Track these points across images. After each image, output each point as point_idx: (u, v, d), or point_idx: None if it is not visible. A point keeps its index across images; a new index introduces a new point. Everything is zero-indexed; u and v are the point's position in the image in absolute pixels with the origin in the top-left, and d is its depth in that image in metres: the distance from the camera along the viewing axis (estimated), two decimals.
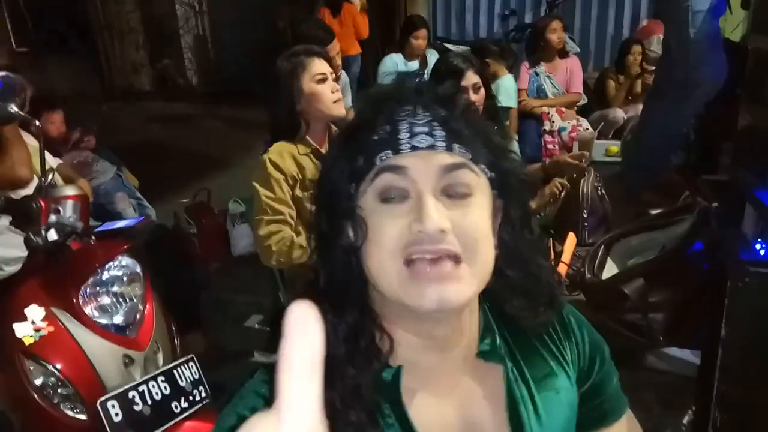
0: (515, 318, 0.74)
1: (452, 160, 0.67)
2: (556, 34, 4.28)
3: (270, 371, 0.71)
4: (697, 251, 1.76)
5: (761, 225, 1.65)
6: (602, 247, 1.89)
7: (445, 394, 0.71)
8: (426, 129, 0.67)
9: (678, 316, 1.70)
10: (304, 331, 0.40)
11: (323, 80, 1.86)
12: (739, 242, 1.66)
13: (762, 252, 1.57)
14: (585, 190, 2.56)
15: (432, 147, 0.67)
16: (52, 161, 2.43)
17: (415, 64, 4.20)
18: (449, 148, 0.67)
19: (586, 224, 2.54)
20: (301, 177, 1.85)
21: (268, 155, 1.89)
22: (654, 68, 4.04)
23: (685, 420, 1.97)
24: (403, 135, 0.67)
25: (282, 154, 1.88)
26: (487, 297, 0.74)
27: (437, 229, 0.63)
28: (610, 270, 1.82)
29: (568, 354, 0.77)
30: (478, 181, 0.68)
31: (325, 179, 0.70)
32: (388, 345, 0.69)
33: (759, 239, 1.60)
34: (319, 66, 1.87)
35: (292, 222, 1.84)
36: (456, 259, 0.64)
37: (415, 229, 0.63)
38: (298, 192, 1.86)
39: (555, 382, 0.75)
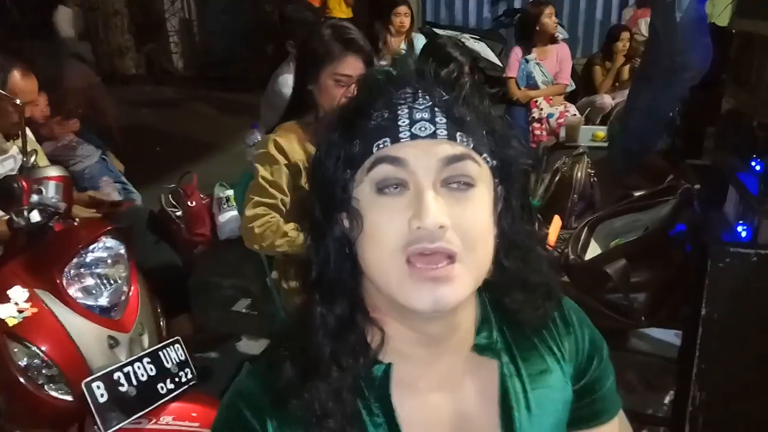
0: (514, 311, 0.73)
1: (454, 151, 0.63)
2: (549, 20, 4.27)
3: (258, 366, 0.71)
4: (680, 232, 1.78)
5: (743, 207, 1.67)
6: (585, 228, 1.91)
7: (437, 388, 0.71)
8: (427, 115, 0.64)
9: (660, 296, 1.72)
10: None
11: (343, 83, 1.72)
12: (721, 224, 1.69)
13: (743, 234, 1.60)
14: (578, 176, 2.59)
15: (433, 135, 0.63)
16: (34, 143, 2.40)
17: (401, 44, 4.15)
18: (451, 137, 0.63)
19: (575, 209, 2.57)
20: (307, 165, 1.77)
21: (274, 135, 1.80)
22: (641, 52, 4.05)
23: (667, 400, 2.01)
24: (403, 121, 0.63)
25: (290, 139, 1.80)
26: (487, 289, 0.72)
27: (436, 224, 0.60)
28: (593, 251, 1.84)
29: (567, 350, 0.76)
30: (480, 171, 0.65)
31: (319, 165, 0.67)
32: (379, 338, 0.68)
33: (740, 221, 1.62)
34: (347, 66, 1.72)
35: (283, 209, 1.77)
36: (451, 258, 0.62)
37: (413, 225, 0.61)
38: (303, 182, 1.77)
39: (549, 379, 0.74)
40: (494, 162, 0.67)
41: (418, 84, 0.65)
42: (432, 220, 0.60)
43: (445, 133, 0.63)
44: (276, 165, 1.76)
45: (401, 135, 0.63)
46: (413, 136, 0.63)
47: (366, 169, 0.64)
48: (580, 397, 0.78)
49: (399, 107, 0.64)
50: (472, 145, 0.64)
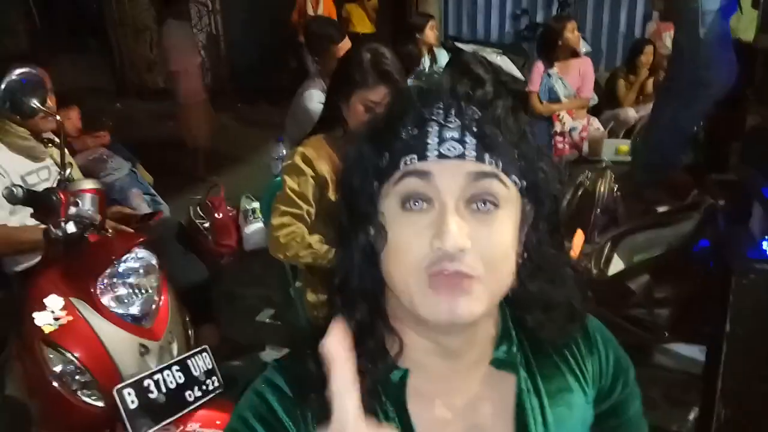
0: (537, 330, 0.72)
1: (481, 169, 0.62)
2: (572, 34, 4.28)
3: (284, 361, 0.73)
4: (703, 248, 1.78)
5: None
6: (609, 243, 1.91)
7: (452, 400, 0.70)
8: (457, 135, 0.63)
9: (683, 312, 1.72)
10: (346, 358, 0.52)
11: (370, 109, 1.74)
12: (745, 240, 1.68)
13: None
14: (602, 190, 2.59)
15: (461, 156, 0.62)
16: (68, 156, 2.48)
17: (424, 57, 4.20)
18: (479, 158, 0.62)
19: (598, 223, 2.57)
20: (334, 177, 1.78)
21: (302, 147, 1.84)
22: (665, 66, 4.03)
23: (691, 416, 1.99)
24: (432, 140, 0.63)
25: (317, 151, 1.83)
26: (509, 303, 0.72)
27: (457, 248, 0.60)
28: (616, 266, 1.84)
29: (590, 371, 0.75)
30: (506, 193, 0.64)
31: (348, 175, 0.68)
32: (397, 347, 0.69)
33: (765, 237, 1.61)
34: (376, 95, 1.74)
35: (309, 220, 1.80)
36: (470, 278, 0.61)
37: (435, 245, 0.61)
38: (331, 195, 1.80)
39: (569, 398, 0.73)
40: (523, 183, 0.66)
41: (450, 102, 0.64)
42: (453, 243, 0.60)
43: (474, 154, 0.63)
44: (303, 176, 1.80)
45: (428, 153, 0.63)
46: (441, 155, 0.62)
47: (393, 182, 0.64)
48: (604, 421, 0.77)
49: (429, 124, 0.64)
50: (501, 167, 0.64)
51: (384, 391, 0.68)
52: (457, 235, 0.60)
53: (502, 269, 0.64)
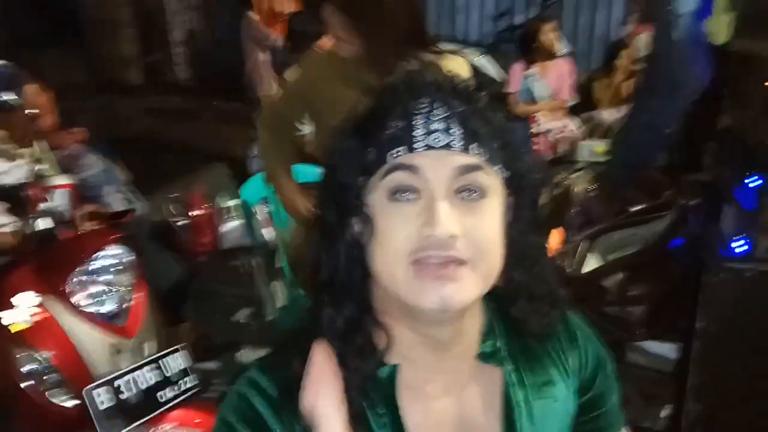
0: (521, 321, 0.73)
1: (467, 162, 0.64)
2: (548, 36, 4.32)
3: (268, 361, 0.72)
4: (677, 247, 1.80)
5: (738, 223, 1.69)
6: (584, 241, 1.93)
7: (441, 393, 0.71)
8: (442, 126, 0.64)
9: (656, 309, 1.74)
10: (331, 373, 0.55)
11: None
12: (717, 239, 1.71)
13: (738, 249, 1.62)
14: (577, 189, 2.61)
15: (447, 146, 0.64)
16: (47, 151, 2.43)
17: None
18: (465, 149, 0.64)
19: (574, 223, 2.59)
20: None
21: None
22: (641, 68, 4.08)
23: (663, 413, 2.02)
24: (418, 132, 0.64)
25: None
26: (493, 299, 0.73)
27: (447, 234, 0.61)
28: (590, 264, 1.86)
29: (571, 364, 0.77)
30: (492, 183, 0.66)
31: (334, 170, 0.68)
32: (385, 342, 0.69)
33: (736, 237, 1.64)
34: None
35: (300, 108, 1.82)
36: (461, 263, 0.63)
37: (425, 232, 0.62)
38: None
39: (553, 390, 0.75)
40: (507, 174, 0.68)
41: (435, 95, 0.66)
42: (443, 229, 0.61)
43: (460, 144, 0.64)
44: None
45: (416, 145, 0.64)
46: (428, 147, 0.64)
47: (380, 176, 0.65)
48: (584, 412, 0.78)
49: (415, 117, 0.65)
50: (485, 157, 0.65)
51: (373, 387, 0.68)
52: (448, 221, 0.61)
53: (492, 256, 0.65)
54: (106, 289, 1.73)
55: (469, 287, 0.63)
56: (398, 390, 0.69)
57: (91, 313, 1.67)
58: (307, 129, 2.15)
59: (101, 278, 1.72)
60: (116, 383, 1.56)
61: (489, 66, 5.98)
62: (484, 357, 0.73)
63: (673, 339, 1.86)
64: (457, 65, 1.67)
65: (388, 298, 0.67)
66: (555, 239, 2.23)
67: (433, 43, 1.70)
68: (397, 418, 0.69)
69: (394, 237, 0.63)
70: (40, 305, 1.62)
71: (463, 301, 0.63)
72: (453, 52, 1.72)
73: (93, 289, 1.71)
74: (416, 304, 0.63)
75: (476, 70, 5.11)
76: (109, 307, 1.70)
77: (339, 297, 0.68)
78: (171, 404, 1.65)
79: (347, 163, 0.67)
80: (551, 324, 0.75)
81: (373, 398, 0.69)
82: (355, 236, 0.67)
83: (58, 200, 1.75)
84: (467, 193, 0.64)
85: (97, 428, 1.51)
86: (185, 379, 1.70)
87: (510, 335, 0.75)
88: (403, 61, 1.56)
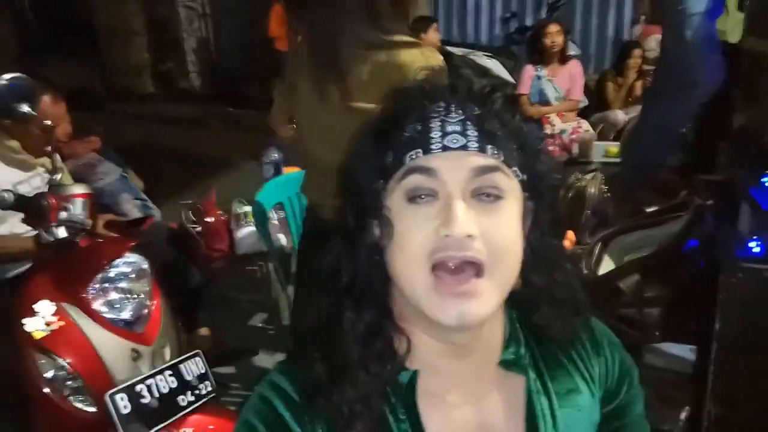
0: (544, 328, 0.73)
1: (484, 162, 0.64)
2: (550, 38, 4.32)
3: (289, 365, 0.72)
4: (692, 248, 1.79)
5: (755, 223, 1.68)
6: (599, 243, 1.93)
7: (462, 400, 0.71)
8: (459, 128, 0.65)
9: (673, 311, 1.73)
10: None
11: None
12: (734, 239, 1.69)
13: (756, 249, 1.61)
14: (592, 191, 2.61)
15: (464, 147, 0.64)
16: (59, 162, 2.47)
17: None
18: (482, 150, 0.64)
19: (589, 225, 2.58)
20: None
21: None
22: (652, 68, 4.07)
23: (683, 415, 2.00)
24: (435, 134, 0.65)
25: None
26: (515, 306, 0.73)
27: (465, 233, 0.61)
28: (606, 266, 1.85)
29: (596, 372, 0.76)
30: (509, 184, 0.66)
31: (352, 173, 0.69)
32: (405, 347, 0.69)
33: (753, 237, 1.63)
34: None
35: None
36: (479, 271, 0.62)
37: (442, 232, 0.62)
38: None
39: (578, 399, 0.74)
40: (524, 176, 0.68)
41: (451, 98, 0.66)
42: (460, 229, 0.61)
43: (476, 145, 0.64)
44: None
45: (433, 147, 0.64)
46: (445, 148, 0.64)
47: (398, 179, 0.65)
48: (609, 422, 0.78)
49: (432, 120, 0.65)
50: (502, 158, 0.65)
51: (394, 392, 0.68)
52: (464, 221, 0.61)
53: (509, 259, 0.65)
54: (125, 296, 1.75)
55: (487, 301, 0.63)
56: (418, 396, 0.69)
57: (110, 320, 1.69)
58: None
59: (119, 285, 1.74)
60: (137, 388, 1.58)
61: (499, 68, 5.99)
62: (507, 364, 0.72)
63: (690, 341, 1.84)
64: (414, 57, 1.58)
65: (407, 305, 0.67)
66: (568, 242, 2.23)
67: (391, 25, 1.61)
68: (418, 424, 0.68)
69: (412, 239, 0.63)
70: (61, 312, 1.65)
71: (481, 315, 0.63)
72: (410, 44, 1.63)
73: (112, 296, 1.73)
74: (435, 317, 0.63)
75: (487, 72, 5.13)
76: (127, 313, 1.72)
77: (360, 301, 0.68)
78: (190, 408, 1.66)
79: (365, 166, 0.68)
80: (575, 330, 0.74)
81: (394, 403, 0.68)
82: (375, 239, 0.68)
83: (78, 209, 1.77)
84: (484, 195, 0.64)
85: None
86: (204, 383, 1.71)
87: (533, 342, 0.75)
88: (353, 48, 1.54)
